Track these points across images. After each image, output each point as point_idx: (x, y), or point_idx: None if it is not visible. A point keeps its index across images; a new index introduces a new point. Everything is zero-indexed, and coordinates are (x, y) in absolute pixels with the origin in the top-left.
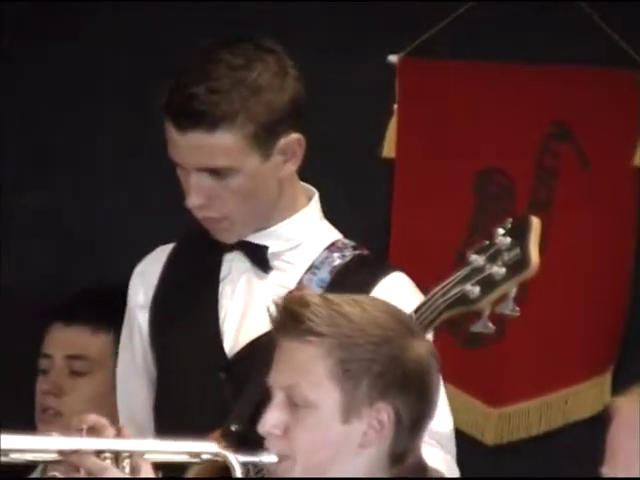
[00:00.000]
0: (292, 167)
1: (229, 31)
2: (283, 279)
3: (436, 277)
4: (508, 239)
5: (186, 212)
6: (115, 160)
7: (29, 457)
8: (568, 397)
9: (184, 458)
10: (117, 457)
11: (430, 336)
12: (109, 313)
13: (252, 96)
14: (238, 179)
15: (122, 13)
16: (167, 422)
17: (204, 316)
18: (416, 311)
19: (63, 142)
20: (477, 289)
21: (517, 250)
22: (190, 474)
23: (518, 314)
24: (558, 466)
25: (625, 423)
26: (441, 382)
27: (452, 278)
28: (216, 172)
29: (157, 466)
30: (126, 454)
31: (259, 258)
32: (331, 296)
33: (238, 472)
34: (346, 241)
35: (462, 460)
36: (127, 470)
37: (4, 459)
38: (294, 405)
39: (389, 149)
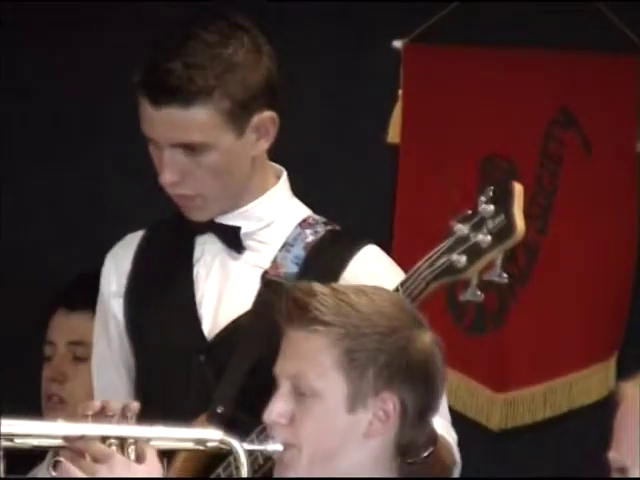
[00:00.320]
0: (265, 145)
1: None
2: (257, 259)
3: None
4: (491, 206)
5: None
6: (114, 144)
7: (34, 442)
8: (572, 382)
9: (189, 445)
10: (122, 443)
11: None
12: None
13: (228, 72)
14: (212, 155)
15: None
16: (149, 407)
17: (180, 300)
18: (402, 284)
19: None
20: (463, 258)
21: (502, 217)
22: (178, 460)
23: (506, 281)
24: (563, 451)
25: (632, 408)
26: (446, 373)
27: (437, 249)
28: (190, 148)
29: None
30: (131, 440)
31: (232, 239)
32: (338, 286)
33: (243, 460)
34: (317, 217)
35: (467, 445)
36: (132, 456)
37: (9, 444)
38: (300, 394)
39: (394, 135)
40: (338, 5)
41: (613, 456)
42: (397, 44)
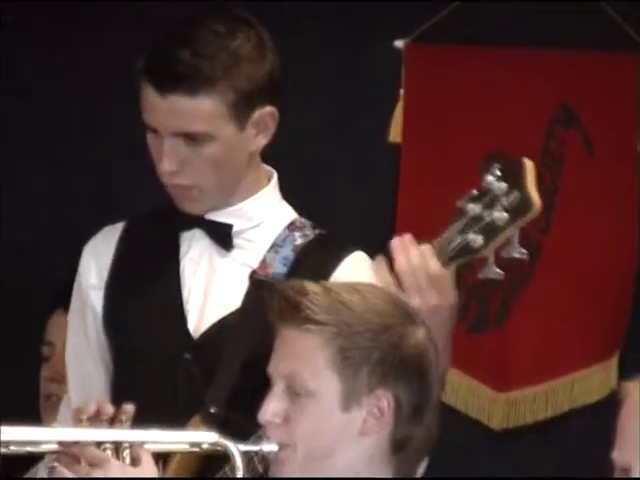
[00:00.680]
0: (263, 140)
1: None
2: (245, 257)
3: None
4: (504, 184)
5: None
6: (114, 144)
7: (29, 449)
8: (574, 382)
9: (184, 448)
10: (117, 448)
11: None
12: None
13: (234, 64)
14: (213, 147)
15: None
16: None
17: (166, 296)
18: None
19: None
20: (480, 237)
21: (516, 193)
22: (173, 462)
23: (526, 257)
24: (564, 451)
25: (635, 408)
26: (440, 369)
27: (450, 230)
28: (192, 137)
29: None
30: (126, 444)
31: (222, 236)
32: (330, 284)
33: (239, 461)
34: (304, 220)
35: (468, 444)
36: (127, 460)
37: (5, 451)
38: (294, 394)
39: (395, 134)
40: (338, 5)
41: (617, 456)
42: (398, 44)
